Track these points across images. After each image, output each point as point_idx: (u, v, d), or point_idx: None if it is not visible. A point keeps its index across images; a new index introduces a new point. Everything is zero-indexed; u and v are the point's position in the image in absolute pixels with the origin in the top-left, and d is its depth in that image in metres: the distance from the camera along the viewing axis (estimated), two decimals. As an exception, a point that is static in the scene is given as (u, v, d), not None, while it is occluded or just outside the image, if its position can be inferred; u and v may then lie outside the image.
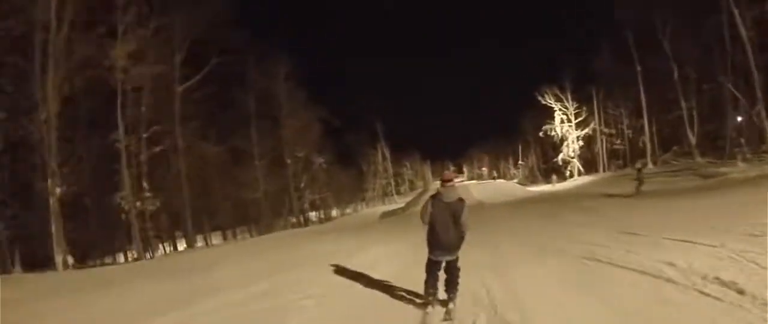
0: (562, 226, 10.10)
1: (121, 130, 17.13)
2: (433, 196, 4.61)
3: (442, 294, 4.71)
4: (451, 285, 4.61)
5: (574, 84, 42.55)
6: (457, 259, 4.62)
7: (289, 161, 32.03)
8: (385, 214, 32.94)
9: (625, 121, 39.79)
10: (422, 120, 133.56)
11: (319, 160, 37.15)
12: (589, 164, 44.21)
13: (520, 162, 62.75)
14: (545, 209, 16.20)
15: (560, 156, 45.22)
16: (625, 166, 36.87)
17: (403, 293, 5.36)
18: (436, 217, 4.47)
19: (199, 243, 29.39)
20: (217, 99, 26.00)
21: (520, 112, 53.69)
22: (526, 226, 11.39)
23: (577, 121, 43.34)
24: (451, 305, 4.54)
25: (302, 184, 35.29)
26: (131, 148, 18.21)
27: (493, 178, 66.49)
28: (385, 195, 56.92)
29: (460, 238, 4.54)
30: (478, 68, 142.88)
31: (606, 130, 42.14)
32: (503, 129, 72.31)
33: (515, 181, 55.74)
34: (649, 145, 34.10)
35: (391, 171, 58.71)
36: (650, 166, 32.35)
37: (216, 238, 31.82)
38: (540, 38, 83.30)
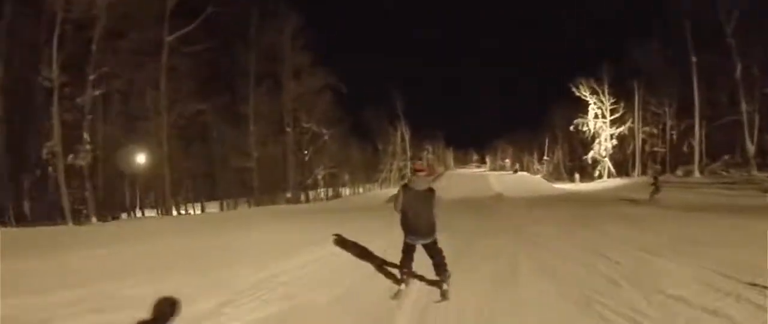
0: (612, 248, 6.60)
1: (54, 65, 14.32)
2: (403, 186, 4.81)
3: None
4: (439, 268, 4.73)
5: (612, 76, 38.76)
6: (434, 242, 4.76)
7: (288, 129, 29.21)
8: (392, 198, 30.21)
9: (669, 122, 35.28)
10: (448, 108, 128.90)
11: (325, 132, 34.16)
12: (620, 166, 40.42)
13: (545, 157, 59.11)
14: (577, 212, 13.16)
15: (590, 154, 41.70)
16: (663, 171, 32.58)
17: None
18: (407, 205, 4.67)
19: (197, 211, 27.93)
20: (215, 54, 23.60)
21: (551, 104, 50.34)
22: (555, 242, 7.70)
23: (612, 117, 39.51)
24: (444, 286, 4.64)
25: (307, 158, 32.86)
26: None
27: (515, 171, 63.50)
28: (402, 178, 53.93)
29: (431, 224, 4.71)
30: (509, 58, 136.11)
31: (646, 129, 37.88)
32: (531, 121, 68.35)
33: (540, 175, 52.64)
34: (697, 150, 30.00)
35: (409, 152, 55.44)
36: (696, 174, 28.63)
37: (213, 207, 30.16)
38: (578, 24, 77.64)
